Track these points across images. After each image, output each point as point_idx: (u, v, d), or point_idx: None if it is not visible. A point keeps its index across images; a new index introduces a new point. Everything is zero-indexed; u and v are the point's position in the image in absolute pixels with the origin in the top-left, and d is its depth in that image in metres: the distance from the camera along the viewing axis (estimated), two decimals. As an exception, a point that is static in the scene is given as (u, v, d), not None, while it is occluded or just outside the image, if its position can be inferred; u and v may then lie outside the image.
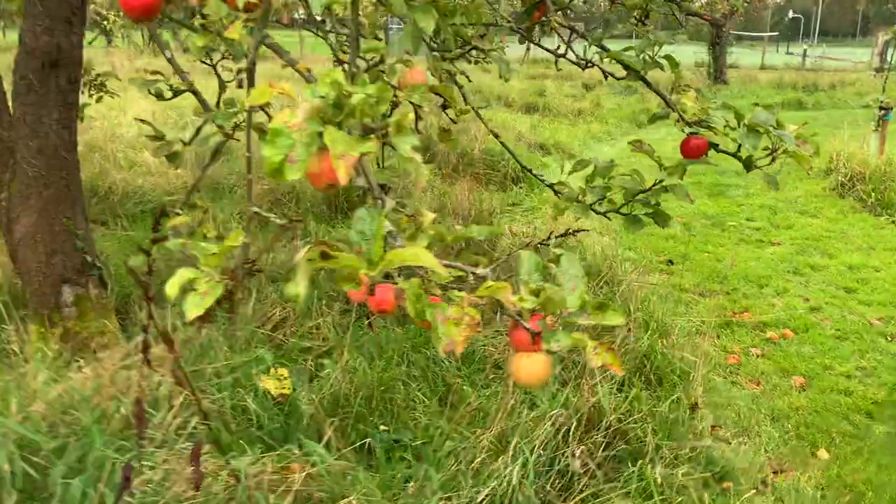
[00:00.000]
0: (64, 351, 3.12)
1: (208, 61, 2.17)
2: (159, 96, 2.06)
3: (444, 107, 1.59)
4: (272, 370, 3.11)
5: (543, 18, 1.82)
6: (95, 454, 2.14)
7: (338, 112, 0.98)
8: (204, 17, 1.42)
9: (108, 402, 2.49)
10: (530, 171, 2.28)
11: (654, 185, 1.77)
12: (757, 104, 5.35)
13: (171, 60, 2.27)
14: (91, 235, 3.52)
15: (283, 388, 3.09)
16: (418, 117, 1.57)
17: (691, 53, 20.52)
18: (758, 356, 3.96)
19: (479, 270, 1.08)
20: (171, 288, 1.29)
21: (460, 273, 1.46)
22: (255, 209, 1.29)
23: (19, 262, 3.35)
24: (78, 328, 3.35)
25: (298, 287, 0.88)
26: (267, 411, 2.69)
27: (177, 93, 2.12)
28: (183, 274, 1.29)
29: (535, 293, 1.00)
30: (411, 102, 1.51)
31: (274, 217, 1.29)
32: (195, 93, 2.21)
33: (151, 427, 2.24)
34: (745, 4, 17.59)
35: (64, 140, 3.30)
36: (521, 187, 7.34)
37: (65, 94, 3.28)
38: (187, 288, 1.32)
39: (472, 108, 2.17)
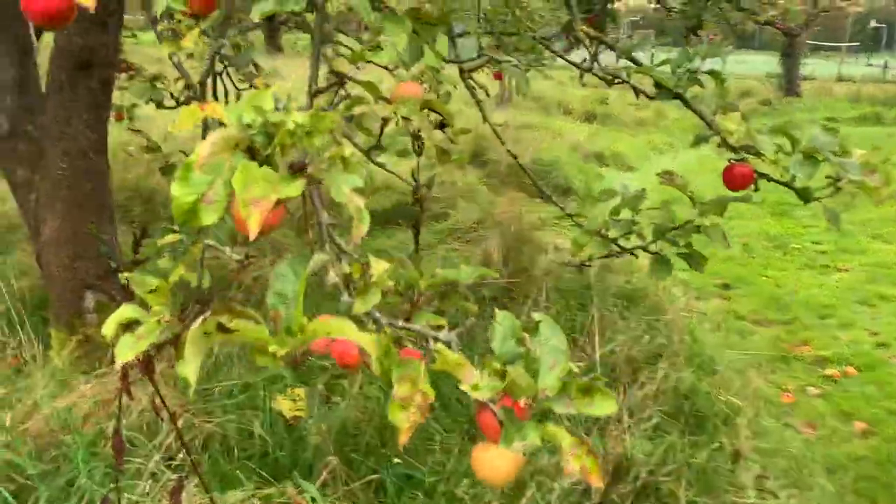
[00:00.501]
0: (80, 358, 3.05)
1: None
2: (159, 105, 1.94)
3: (442, 126, 1.41)
4: (288, 390, 2.97)
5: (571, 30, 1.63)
6: (81, 481, 2.03)
7: (267, 143, 0.80)
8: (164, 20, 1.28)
9: (107, 421, 2.39)
10: (549, 196, 2.08)
11: (685, 223, 1.55)
12: (831, 118, 4.96)
13: (178, 66, 2.15)
14: (117, 240, 3.45)
15: (298, 409, 2.94)
16: (419, 137, 1.40)
17: (761, 63, 19.81)
18: (816, 396, 3.64)
19: (443, 335, 0.89)
20: (108, 328, 1.14)
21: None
22: (210, 242, 1.13)
23: (44, 266, 3.30)
24: (98, 335, 3.27)
25: (187, 367, 0.71)
26: (275, 436, 2.55)
27: (180, 101, 2.00)
28: (123, 312, 1.14)
29: (501, 374, 0.80)
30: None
31: (229, 251, 1.13)
32: (191, 89, 2.08)
33: (142, 455, 2.12)
34: (822, 13, 16.79)
35: (92, 142, 3.24)
36: (572, 199, 7.08)
37: (95, 96, 3.21)
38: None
39: (490, 125, 1.99)
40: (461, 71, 1.82)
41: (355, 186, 0.79)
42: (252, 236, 0.72)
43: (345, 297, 0.87)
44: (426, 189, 2.62)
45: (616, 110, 13.13)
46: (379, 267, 0.86)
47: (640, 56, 1.94)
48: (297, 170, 0.77)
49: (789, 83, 17.04)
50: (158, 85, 1.97)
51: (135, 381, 2.32)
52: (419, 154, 2.03)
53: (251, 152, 0.82)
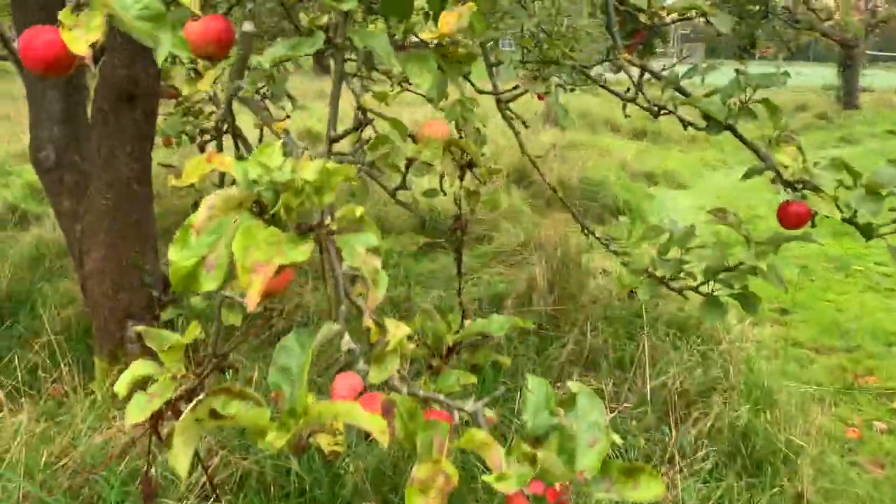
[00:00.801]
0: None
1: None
2: (192, 139, 1.91)
3: (470, 165, 1.33)
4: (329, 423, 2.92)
5: (611, 56, 1.54)
6: (114, 522, 1.99)
7: (276, 200, 0.74)
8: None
9: (143, 457, 2.35)
10: (592, 233, 1.98)
11: (738, 265, 1.44)
12: (891, 131, 4.67)
13: (212, 98, 2.13)
14: (161, 270, 3.46)
15: (337, 444, 2.88)
16: (462, 168, 1.33)
17: (817, 75, 19.29)
18: (884, 431, 3.43)
19: (469, 406, 0.81)
20: (121, 386, 1.09)
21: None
22: (226, 294, 1.07)
23: (88, 296, 3.32)
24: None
25: (178, 461, 0.64)
26: (312, 474, 2.48)
27: (213, 136, 1.96)
28: (136, 369, 1.09)
29: (532, 458, 0.71)
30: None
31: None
32: (236, 134, 2.05)
33: (176, 497, 2.07)
34: (881, 24, 16.27)
35: (136, 173, 3.25)
36: (620, 221, 6.92)
37: (139, 127, 3.23)
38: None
39: (530, 158, 1.91)
40: (498, 101, 1.75)
41: (370, 246, 0.72)
42: (251, 307, 0.65)
43: (360, 365, 0.79)
44: (466, 216, 2.54)
45: (666, 127, 12.86)
46: (398, 332, 0.78)
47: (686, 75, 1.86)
48: (305, 230, 0.70)
49: (848, 95, 16.51)
50: (192, 119, 1.95)
51: (169, 418, 2.29)
52: (461, 179, 1.97)
53: (261, 206, 0.76)
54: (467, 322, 1.06)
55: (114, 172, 3.20)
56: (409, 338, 1.03)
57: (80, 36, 0.74)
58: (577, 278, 4.26)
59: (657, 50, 2.50)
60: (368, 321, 0.77)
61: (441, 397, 0.81)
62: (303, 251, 0.68)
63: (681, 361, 3.24)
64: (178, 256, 0.71)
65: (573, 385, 0.78)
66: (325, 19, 0.90)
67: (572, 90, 3.20)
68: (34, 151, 3.48)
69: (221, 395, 0.65)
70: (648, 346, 3.35)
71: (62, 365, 2.83)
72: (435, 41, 0.86)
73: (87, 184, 3.33)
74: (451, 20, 0.85)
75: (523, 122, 1.80)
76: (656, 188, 8.60)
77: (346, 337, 0.79)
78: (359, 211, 0.70)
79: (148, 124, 3.28)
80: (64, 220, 3.45)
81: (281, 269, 0.68)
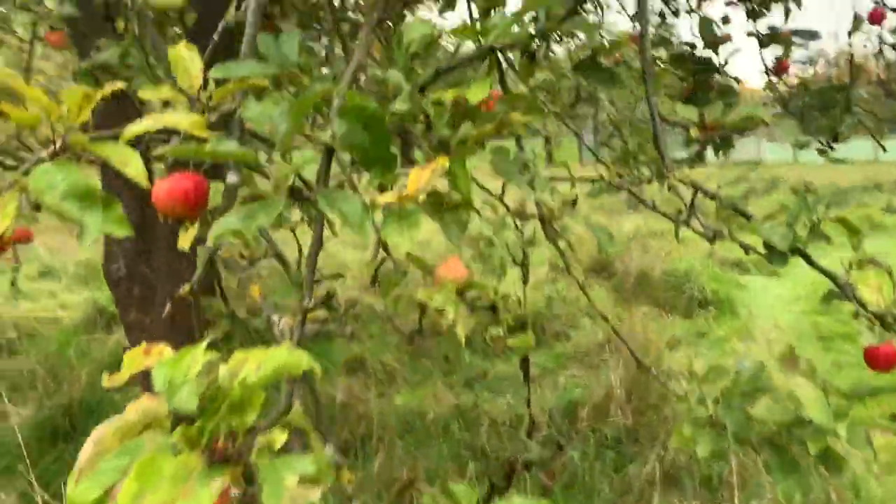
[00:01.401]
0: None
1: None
2: (228, 266, 1.84)
3: (492, 309, 1.19)
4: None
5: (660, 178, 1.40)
6: None
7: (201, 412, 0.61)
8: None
9: None
10: (657, 377, 1.78)
11: (809, 421, 1.23)
12: None
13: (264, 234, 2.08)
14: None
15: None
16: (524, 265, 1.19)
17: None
18: None
19: None
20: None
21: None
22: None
23: (150, 408, 3.30)
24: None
25: None
26: None
27: (252, 260, 1.91)
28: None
29: None
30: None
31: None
32: (277, 257, 1.99)
33: None
34: None
35: (199, 285, 3.26)
36: (709, 310, 6.55)
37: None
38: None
39: (580, 285, 1.75)
40: (542, 221, 1.63)
41: (306, 474, 0.58)
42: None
43: None
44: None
45: (754, 209, 12.36)
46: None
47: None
48: (219, 459, 0.57)
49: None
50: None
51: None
52: (525, 282, 1.82)
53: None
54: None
55: (177, 284, 3.22)
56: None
57: (-8, 223, 0.66)
58: (657, 385, 3.97)
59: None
60: None
61: None
62: (216, 488, 0.55)
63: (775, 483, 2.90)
64: (75, 490, 0.59)
65: None
66: (291, 180, 0.80)
67: (649, 182, 3.04)
68: (107, 264, 3.56)
69: None
70: (737, 465, 3.04)
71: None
72: (391, 203, 0.73)
73: (154, 296, 3.36)
74: (423, 178, 0.73)
75: (569, 244, 1.67)
76: (747, 277, 8.16)
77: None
78: (281, 438, 0.57)
79: (210, 234, 3.30)
80: (131, 331, 3.48)
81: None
